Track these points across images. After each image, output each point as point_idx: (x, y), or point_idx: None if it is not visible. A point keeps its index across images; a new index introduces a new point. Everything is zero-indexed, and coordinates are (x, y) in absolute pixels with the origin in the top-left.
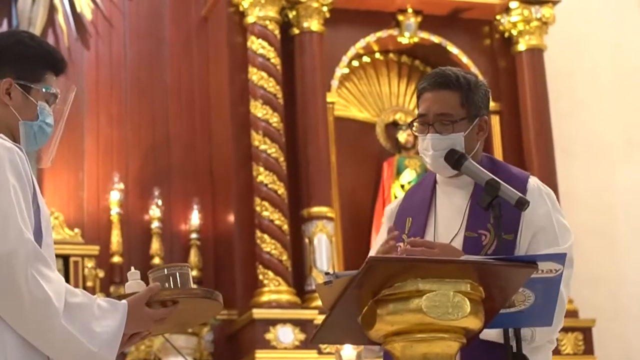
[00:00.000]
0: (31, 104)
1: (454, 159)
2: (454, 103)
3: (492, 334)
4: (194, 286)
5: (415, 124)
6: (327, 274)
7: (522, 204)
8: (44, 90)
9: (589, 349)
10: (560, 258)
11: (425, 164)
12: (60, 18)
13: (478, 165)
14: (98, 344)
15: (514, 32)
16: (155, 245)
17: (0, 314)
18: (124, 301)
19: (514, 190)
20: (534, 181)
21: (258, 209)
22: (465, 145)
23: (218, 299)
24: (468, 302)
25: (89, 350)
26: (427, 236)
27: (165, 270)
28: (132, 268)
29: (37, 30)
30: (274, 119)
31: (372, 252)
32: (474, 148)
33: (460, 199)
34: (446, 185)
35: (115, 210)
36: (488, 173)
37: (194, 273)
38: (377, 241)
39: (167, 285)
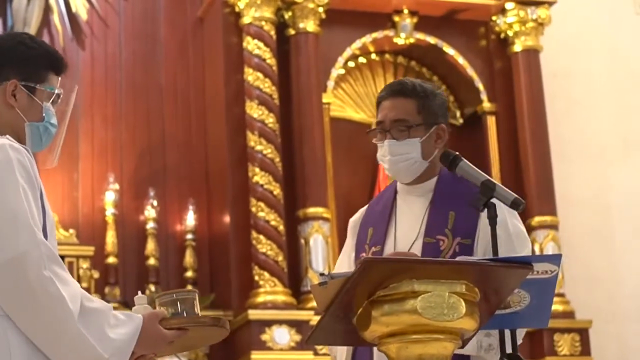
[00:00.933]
0: (36, 105)
1: (449, 160)
2: (410, 109)
3: (468, 348)
4: (199, 312)
5: (372, 132)
6: (321, 274)
7: (518, 205)
8: (48, 90)
9: (585, 350)
10: (555, 259)
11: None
12: (55, 18)
13: (473, 166)
14: (109, 350)
15: (510, 33)
16: (151, 246)
17: (13, 317)
18: (139, 315)
19: (509, 191)
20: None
21: (254, 209)
22: (423, 152)
23: (225, 326)
24: (463, 303)
25: (99, 356)
26: (387, 244)
27: (174, 295)
28: (140, 292)
29: (32, 31)
30: (270, 120)
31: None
32: (432, 155)
33: (419, 206)
34: (406, 193)
35: (110, 211)
36: (483, 174)
37: (189, 274)
38: (342, 254)
39: (173, 310)
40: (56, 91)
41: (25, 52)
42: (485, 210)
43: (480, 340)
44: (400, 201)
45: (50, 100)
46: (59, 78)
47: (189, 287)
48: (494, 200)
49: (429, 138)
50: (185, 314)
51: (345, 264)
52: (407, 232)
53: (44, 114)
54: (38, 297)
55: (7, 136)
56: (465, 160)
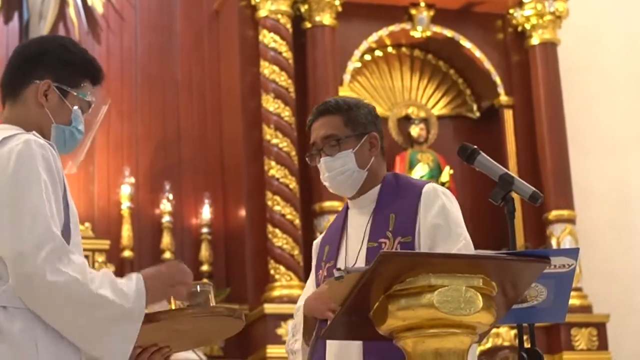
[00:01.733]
0: (66, 109)
1: (467, 153)
2: (337, 124)
3: None
4: (214, 304)
5: (310, 156)
6: (338, 269)
7: (536, 198)
8: (80, 97)
9: (603, 345)
10: (573, 253)
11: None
12: (71, 11)
13: (491, 160)
14: (130, 300)
15: (527, 26)
16: (166, 240)
17: (35, 309)
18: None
19: (527, 184)
20: (431, 186)
21: (269, 203)
22: (358, 162)
23: (241, 318)
24: (480, 297)
25: (122, 309)
26: (339, 258)
27: (193, 287)
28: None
29: (48, 24)
30: (286, 113)
31: (301, 299)
32: (368, 163)
33: (365, 217)
34: (353, 207)
35: (125, 205)
36: (501, 167)
37: (205, 268)
38: (310, 275)
39: (189, 303)
40: (88, 99)
41: (65, 55)
42: (430, 204)
43: None
44: (350, 216)
45: (81, 107)
46: (94, 88)
47: (205, 280)
48: (425, 197)
49: (362, 148)
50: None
51: (310, 284)
52: (355, 243)
53: (72, 119)
54: (56, 286)
55: (34, 132)
56: (483, 154)
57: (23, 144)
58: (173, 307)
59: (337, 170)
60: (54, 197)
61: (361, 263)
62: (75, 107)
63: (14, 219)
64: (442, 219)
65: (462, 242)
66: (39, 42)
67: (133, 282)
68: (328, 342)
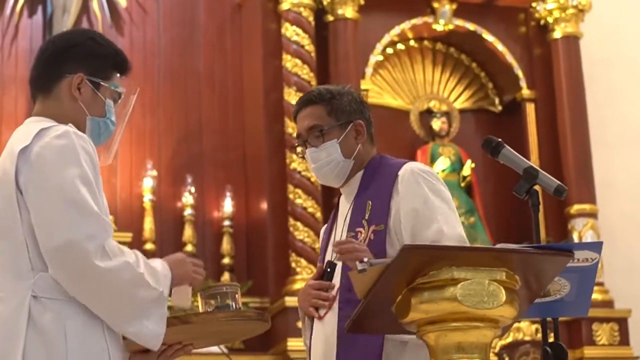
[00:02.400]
0: (99, 101)
1: (492, 147)
2: (320, 114)
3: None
4: (241, 305)
5: (297, 148)
6: (361, 262)
7: (561, 192)
8: (112, 88)
9: (624, 340)
10: (596, 247)
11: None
12: (94, 5)
13: (516, 153)
14: (161, 285)
15: (550, 20)
16: (188, 233)
17: (80, 295)
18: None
19: (552, 178)
20: (408, 167)
21: (291, 196)
22: (343, 151)
23: (268, 321)
24: (503, 291)
25: (159, 293)
26: (328, 248)
27: (220, 289)
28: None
29: (71, 17)
30: None
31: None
32: (353, 152)
33: (348, 205)
34: (343, 196)
35: (148, 197)
36: (526, 160)
37: (226, 260)
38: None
39: (218, 303)
40: (119, 90)
41: (94, 48)
42: (406, 187)
43: None
44: (340, 203)
45: (113, 99)
46: (121, 79)
47: (226, 274)
48: (400, 181)
49: (347, 136)
50: (229, 307)
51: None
52: (339, 233)
53: (105, 110)
54: (104, 272)
55: (70, 124)
56: (508, 147)
57: (63, 135)
58: (200, 308)
59: (322, 161)
60: (97, 187)
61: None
62: (108, 99)
63: (59, 209)
64: (419, 203)
65: (434, 225)
66: (67, 36)
67: (159, 267)
68: (314, 339)
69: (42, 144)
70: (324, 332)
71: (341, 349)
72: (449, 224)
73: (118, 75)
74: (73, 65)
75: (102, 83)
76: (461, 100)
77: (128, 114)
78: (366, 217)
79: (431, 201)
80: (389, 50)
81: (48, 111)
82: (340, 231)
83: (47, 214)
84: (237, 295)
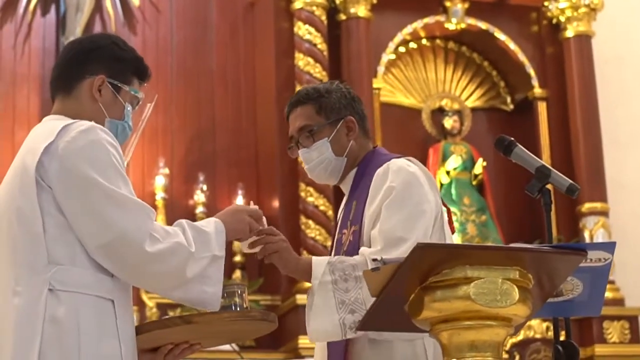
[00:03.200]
0: (119, 104)
1: (504, 145)
2: (309, 114)
3: (328, 331)
4: (248, 304)
5: (290, 149)
6: (374, 260)
7: (573, 191)
8: (132, 93)
9: (635, 338)
10: (609, 247)
11: None
12: (107, 4)
13: (528, 152)
14: (215, 247)
15: (562, 19)
16: None
17: (138, 282)
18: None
19: (564, 177)
20: (387, 165)
21: (303, 194)
22: (335, 149)
23: (274, 321)
24: (516, 290)
25: (211, 257)
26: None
27: (224, 289)
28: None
29: (84, 16)
30: None
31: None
32: (345, 149)
33: (343, 204)
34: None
35: (160, 195)
36: (538, 159)
37: (238, 258)
38: None
39: (223, 303)
40: (139, 95)
41: (117, 52)
42: (378, 186)
43: (342, 319)
44: (343, 202)
45: (131, 103)
46: (141, 86)
47: (238, 272)
48: (375, 179)
49: (338, 134)
50: (236, 307)
51: None
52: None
53: (124, 114)
54: (159, 255)
55: (92, 121)
56: (520, 146)
57: (90, 130)
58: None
59: (314, 161)
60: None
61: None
62: (127, 103)
63: (100, 205)
64: (377, 205)
65: (377, 225)
66: (91, 38)
67: (212, 228)
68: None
69: (69, 139)
70: None
71: (329, 350)
72: (388, 223)
73: (138, 81)
74: (95, 66)
75: (122, 87)
76: (473, 99)
77: (144, 122)
78: (350, 218)
79: (387, 201)
80: (401, 49)
81: (67, 110)
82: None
83: (88, 211)
84: (244, 295)
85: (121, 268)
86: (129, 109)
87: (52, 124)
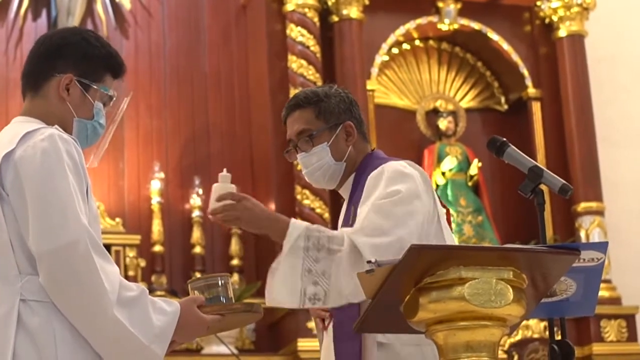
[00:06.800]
0: (88, 103)
1: (496, 146)
2: (308, 118)
3: (285, 299)
4: (232, 295)
5: (287, 153)
6: (368, 262)
7: (566, 191)
8: (102, 91)
9: (632, 336)
10: (602, 247)
11: None
12: (99, 8)
13: (521, 153)
14: (150, 338)
15: (555, 18)
16: (196, 234)
17: (58, 303)
18: (176, 302)
19: (557, 177)
20: (379, 169)
21: (299, 197)
22: (334, 154)
23: (258, 311)
24: (511, 290)
25: (140, 344)
26: None
27: (208, 280)
28: (225, 170)
29: (76, 20)
30: None
31: None
32: (344, 154)
33: (343, 210)
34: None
35: (156, 200)
36: (531, 160)
37: (235, 262)
38: None
39: (207, 295)
40: (110, 93)
41: (87, 49)
42: (369, 191)
43: (304, 288)
44: (344, 207)
45: (103, 101)
46: (114, 81)
47: (235, 275)
48: (368, 182)
49: (337, 139)
50: (219, 299)
51: None
52: None
53: (94, 113)
54: (82, 285)
55: (56, 126)
56: (513, 147)
57: (48, 139)
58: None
59: (313, 166)
60: (79, 192)
61: None
62: (97, 101)
63: (43, 215)
64: (375, 199)
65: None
66: (61, 34)
67: (168, 315)
68: (323, 346)
69: (26, 148)
70: (328, 338)
71: (337, 355)
72: (376, 213)
73: (112, 77)
74: (63, 65)
75: (91, 85)
76: (467, 100)
77: (119, 117)
78: (350, 223)
79: (381, 200)
80: (395, 50)
81: (35, 110)
82: None
83: (33, 220)
84: (228, 285)
85: (53, 279)
86: (99, 107)
87: (17, 128)
